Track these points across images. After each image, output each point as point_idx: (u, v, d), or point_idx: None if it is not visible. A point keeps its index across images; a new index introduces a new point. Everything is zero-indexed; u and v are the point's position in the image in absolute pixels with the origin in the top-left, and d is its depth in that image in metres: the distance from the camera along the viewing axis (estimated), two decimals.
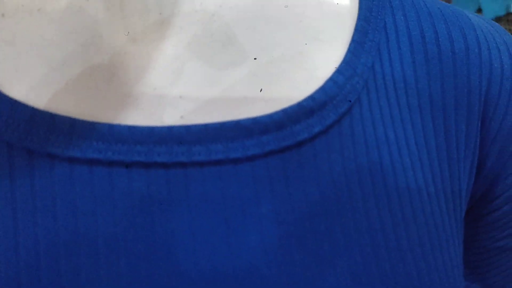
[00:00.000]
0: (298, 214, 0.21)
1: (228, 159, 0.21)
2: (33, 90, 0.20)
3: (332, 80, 0.22)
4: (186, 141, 0.20)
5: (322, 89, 0.22)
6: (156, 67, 0.21)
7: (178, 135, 0.20)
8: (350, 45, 0.23)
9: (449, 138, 0.24)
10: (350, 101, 0.22)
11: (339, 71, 0.23)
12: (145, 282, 0.19)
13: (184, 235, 0.20)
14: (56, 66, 0.20)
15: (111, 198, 0.20)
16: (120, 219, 0.20)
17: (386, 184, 0.22)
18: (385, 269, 0.21)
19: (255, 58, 0.22)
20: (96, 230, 0.19)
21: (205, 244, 0.20)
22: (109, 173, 0.20)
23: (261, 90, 0.21)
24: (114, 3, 0.20)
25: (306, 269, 0.21)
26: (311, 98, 0.22)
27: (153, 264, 0.20)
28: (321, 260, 0.21)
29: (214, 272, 0.20)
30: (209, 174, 0.20)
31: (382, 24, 0.24)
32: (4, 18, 0.20)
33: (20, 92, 0.20)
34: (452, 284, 0.23)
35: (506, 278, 0.30)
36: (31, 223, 0.19)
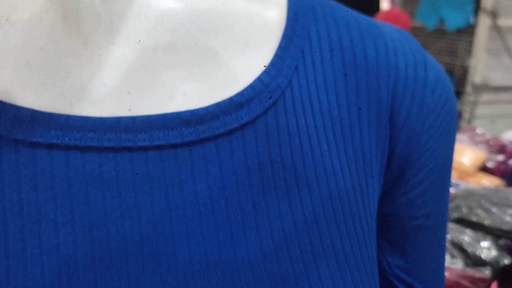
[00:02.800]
0: (229, 191, 0.25)
1: (168, 145, 0.24)
2: (1, 88, 0.23)
3: (259, 79, 0.27)
4: (132, 130, 0.24)
5: (251, 87, 0.26)
6: (107, 68, 0.25)
7: (126, 124, 0.24)
8: (277, 50, 0.28)
9: (363, 129, 0.28)
10: (271, 97, 0.26)
11: (266, 72, 0.27)
12: (85, 251, 0.23)
13: (129, 208, 0.24)
14: (19, 67, 0.24)
15: (68, 176, 0.23)
16: (75, 194, 0.23)
17: (305, 168, 0.26)
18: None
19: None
20: (54, 203, 0.23)
21: (146, 216, 0.24)
22: (66, 156, 0.23)
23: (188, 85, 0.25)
24: (70, 14, 0.24)
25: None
26: (241, 94, 0.26)
27: (96, 235, 0.23)
28: (228, 233, 0.25)
29: (147, 238, 0.24)
30: (152, 157, 0.24)
31: (306, 33, 0.29)
32: None
33: None
34: (370, 276, 0.27)
35: (425, 255, 0.34)
36: None
